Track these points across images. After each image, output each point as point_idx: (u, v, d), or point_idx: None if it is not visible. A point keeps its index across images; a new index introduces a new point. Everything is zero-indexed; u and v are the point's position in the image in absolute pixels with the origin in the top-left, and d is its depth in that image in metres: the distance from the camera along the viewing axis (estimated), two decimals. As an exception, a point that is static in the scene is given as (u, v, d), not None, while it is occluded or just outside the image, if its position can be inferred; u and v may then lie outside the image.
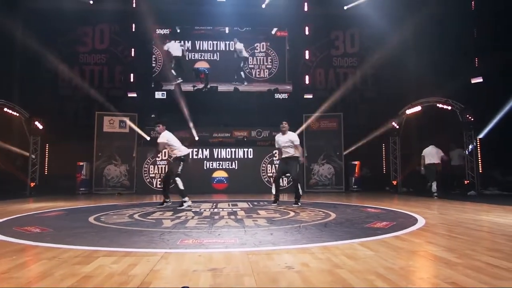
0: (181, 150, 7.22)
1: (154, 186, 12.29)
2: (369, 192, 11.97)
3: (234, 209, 6.56)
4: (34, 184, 11.88)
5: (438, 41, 12.95)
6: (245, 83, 14.33)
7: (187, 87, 14.10)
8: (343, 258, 2.80)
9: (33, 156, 12.06)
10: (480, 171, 11.75)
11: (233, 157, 12.85)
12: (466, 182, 11.17)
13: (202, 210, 6.49)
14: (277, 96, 14.29)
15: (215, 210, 6.50)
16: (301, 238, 3.69)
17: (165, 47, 14.22)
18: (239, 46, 14.36)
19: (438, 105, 11.49)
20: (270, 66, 14.53)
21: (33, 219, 5.33)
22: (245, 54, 14.39)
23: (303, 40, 14.59)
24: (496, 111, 11.44)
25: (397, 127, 12.40)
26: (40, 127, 12.05)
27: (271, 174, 12.83)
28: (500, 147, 11.68)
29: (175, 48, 14.27)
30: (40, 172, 12.38)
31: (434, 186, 9.64)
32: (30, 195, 11.06)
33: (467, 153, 11.21)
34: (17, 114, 11.71)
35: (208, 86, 14.18)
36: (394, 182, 12.53)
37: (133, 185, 12.46)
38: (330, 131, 12.88)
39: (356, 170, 12.73)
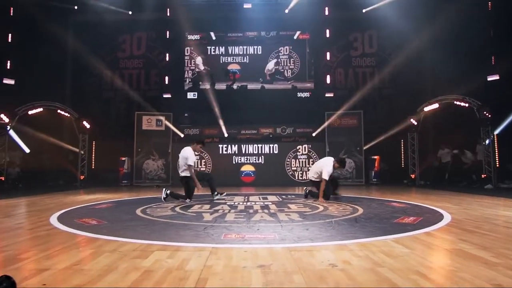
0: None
1: (188, 178, 12.44)
2: (388, 185, 11.69)
3: (265, 203, 6.52)
4: (83, 177, 12.30)
5: (455, 40, 12.38)
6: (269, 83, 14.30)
7: (221, 86, 14.16)
8: (382, 256, 2.71)
9: (82, 152, 12.46)
10: (497, 165, 11.23)
11: (259, 152, 12.88)
12: (483, 175, 10.75)
13: (236, 203, 6.49)
14: (299, 94, 14.12)
15: (248, 203, 6.48)
16: (336, 234, 3.61)
17: (197, 61, 14.35)
18: (271, 65, 14.32)
19: (455, 102, 11.04)
20: (293, 67, 14.35)
21: (88, 211, 5.48)
22: (274, 70, 14.37)
23: (324, 42, 14.35)
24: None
25: (415, 123, 12.02)
26: (88, 126, 12.42)
27: (295, 168, 12.81)
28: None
29: (199, 62, 14.36)
30: (88, 166, 12.79)
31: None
32: (80, 187, 11.42)
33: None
34: (68, 115, 12.11)
35: (239, 85, 14.19)
36: (412, 176, 12.18)
37: (169, 178, 12.66)
38: (350, 127, 12.65)
39: (376, 165, 12.48)
